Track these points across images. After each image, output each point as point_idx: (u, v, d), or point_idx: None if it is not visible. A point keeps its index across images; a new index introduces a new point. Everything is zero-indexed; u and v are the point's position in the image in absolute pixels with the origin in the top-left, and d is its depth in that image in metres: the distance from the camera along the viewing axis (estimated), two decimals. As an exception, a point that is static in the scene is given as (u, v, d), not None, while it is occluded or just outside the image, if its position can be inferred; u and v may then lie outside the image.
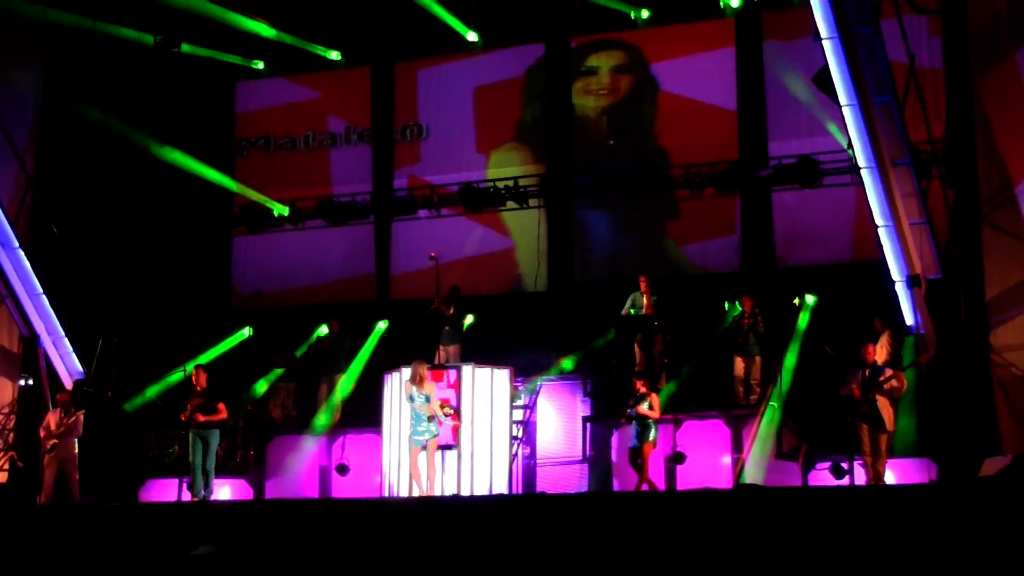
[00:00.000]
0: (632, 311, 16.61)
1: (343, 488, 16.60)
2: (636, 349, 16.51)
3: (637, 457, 14.46)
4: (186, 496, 15.64)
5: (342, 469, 16.63)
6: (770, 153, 18.22)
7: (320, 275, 20.35)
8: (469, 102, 20.08)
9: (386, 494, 15.13)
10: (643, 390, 14.64)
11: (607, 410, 16.29)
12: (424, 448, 14.05)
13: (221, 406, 15.15)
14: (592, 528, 10.34)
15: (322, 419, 17.29)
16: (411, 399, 14.01)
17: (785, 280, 16.90)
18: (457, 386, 14.94)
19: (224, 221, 20.76)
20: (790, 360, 15.79)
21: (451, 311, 16.90)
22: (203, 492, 15.01)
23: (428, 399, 14.03)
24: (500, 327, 17.74)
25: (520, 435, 16.07)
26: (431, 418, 14.02)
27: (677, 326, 16.55)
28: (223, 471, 16.34)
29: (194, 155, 19.66)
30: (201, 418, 14.93)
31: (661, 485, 14.96)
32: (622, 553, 9.99)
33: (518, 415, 16.08)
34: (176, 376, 17.45)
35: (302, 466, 16.97)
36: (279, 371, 18.27)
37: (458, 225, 19.78)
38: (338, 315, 18.45)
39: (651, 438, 14.47)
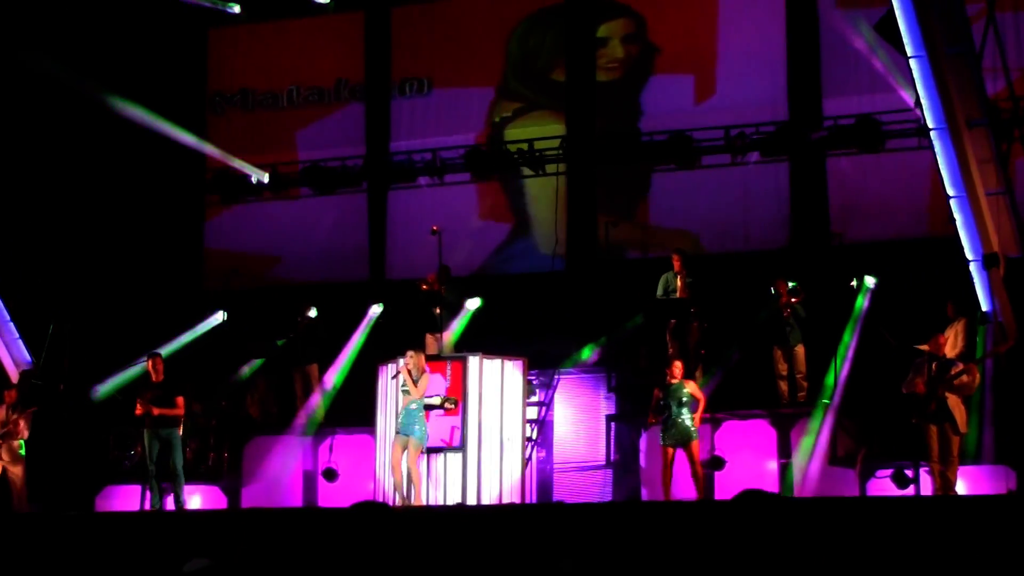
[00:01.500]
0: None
1: (331, 496, 16.58)
2: (668, 338, 16.46)
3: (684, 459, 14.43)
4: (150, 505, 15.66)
5: (330, 474, 16.63)
6: (824, 112, 18.13)
7: (305, 251, 20.34)
8: (478, 52, 20.00)
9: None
10: (677, 377, 14.55)
11: (634, 408, 16.24)
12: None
13: (180, 400, 15.16)
14: (617, 543, 10.30)
15: (318, 415, 17.32)
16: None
17: (841, 259, 16.83)
18: (461, 379, 14.90)
19: (195, 189, 20.74)
20: (845, 351, 15.72)
21: (443, 292, 16.89)
22: (171, 501, 15.00)
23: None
24: (512, 311, 17.74)
25: (534, 436, 16.05)
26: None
27: (716, 311, 16.49)
28: (192, 476, 16.34)
29: (160, 113, 19.59)
30: (156, 411, 14.90)
31: (695, 494, 14.93)
32: (651, 572, 9.95)
33: (532, 413, 16.03)
34: (142, 367, 17.43)
35: (284, 471, 16.95)
36: (258, 362, 18.23)
37: (464, 194, 19.76)
38: (326, 297, 18.46)
39: (695, 436, 14.44)
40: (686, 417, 14.48)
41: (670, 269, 16.62)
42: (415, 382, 14.28)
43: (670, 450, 14.55)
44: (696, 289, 16.45)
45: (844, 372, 15.54)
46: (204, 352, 18.53)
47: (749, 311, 16.49)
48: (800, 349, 15.89)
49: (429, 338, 16.74)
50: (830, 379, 15.36)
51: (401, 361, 14.62)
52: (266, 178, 20.39)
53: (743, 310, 16.57)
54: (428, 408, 14.60)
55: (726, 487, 15.12)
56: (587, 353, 16.94)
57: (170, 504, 15.23)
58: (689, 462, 14.46)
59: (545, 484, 16.20)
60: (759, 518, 8.76)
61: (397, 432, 14.36)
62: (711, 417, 15.41)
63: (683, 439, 14.44)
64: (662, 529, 10.57)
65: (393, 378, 14.78)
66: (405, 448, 14.22)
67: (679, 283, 16.47)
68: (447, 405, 14.70)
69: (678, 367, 14.66)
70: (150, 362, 15.37)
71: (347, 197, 20.33)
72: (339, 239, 20.26)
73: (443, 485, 14.74)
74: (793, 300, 15.85)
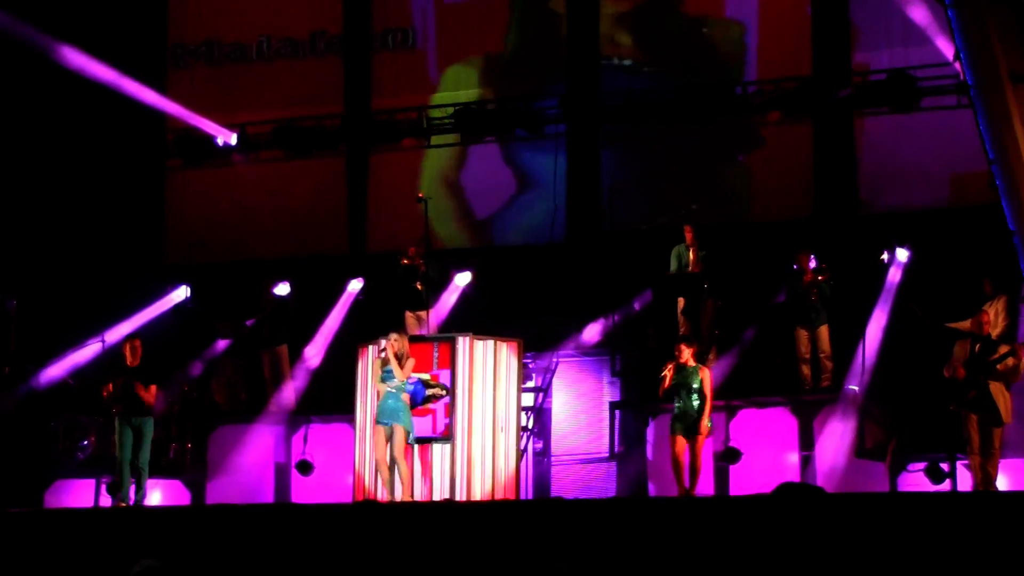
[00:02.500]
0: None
1: (305, 491, 16.62)
2: (679, 317, 16.45)
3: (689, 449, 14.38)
4: (106, 501, 15.61)
5: (304, 467, 16.64)
6: (853, 66, 18.10)
7: (277, 221, 20.33)
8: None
9: (361, 498, 15.09)
10: (691, 362, 14.51)
11: (641, 394, 16.22)
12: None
13: (153, 389, 15.24)
14: (622, 544, 10.29)
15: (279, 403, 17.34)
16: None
17: (870, 229, 16.91)
18: (448, 362, 14.86)
19: (154, 151, 20.65)
20: (874, 331, 15.73)
21: (424, 267, 16.87)
22: (132, 496, 15.04)
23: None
24: (506, 288, 17.78)
25: (530, 425, 16.03)
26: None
27: (732, 288, 16.49)
28: (152, 469, 16.21)
29: (115, 66, 19.50)
30: (145, 393, 15.03)
31: (709, 489, 14.93)
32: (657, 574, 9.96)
33: (528, 400, 16.02)
34: (93, 348, 17.44)
35: (253, 463, 16.99)
36: (226, 343, 18.24)
37: (452, 156, 19.75)
38: (300, 271, 18.43)
39: (706, 425, 14.36)
40: (697, 405, 14.41)
41: (681, 241, 16.58)
42: (401, 366, 14.23)
43: (680, 439, 14.41)
44: (710, 263, 16.42)
45: (872, 355, 15.54)
46: (165, 332, 18.46)
47: (768, 287, 16.50)
48: (824, 329, 15.88)
49: (409, 316, 16.72)
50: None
51: (383, 343, 14.56)
52: (233, 139, 20.30)
53: (762, 286, 16.58)
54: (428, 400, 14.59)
55: (742, 482, 15.14)
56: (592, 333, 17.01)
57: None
58: (690, 453, 14.40)
59: (542, 478, 16.23)
60: (798, 514, 8.79)
61: (377, 421, 14.31)
62: (726, 405, 15.41)
63: (691, 429, 14.37)
64: (672, 528, 10.54)
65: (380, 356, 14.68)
66: (389, 439, 14.17)
67: (691, 256, 16.45)
68: (438, 392, 14.64)
69: (684, 351, 14.55)
70: (127, 345, 15.40)
71: (324, 161, 20.28)
72: (315, 207, 20.23)
73: (430, 479, 14.71)
74: (819, 278, 15.80)
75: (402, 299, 16.92)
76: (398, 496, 14.23)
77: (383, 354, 14.34)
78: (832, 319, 15.93)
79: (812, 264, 15.97)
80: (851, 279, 16.10)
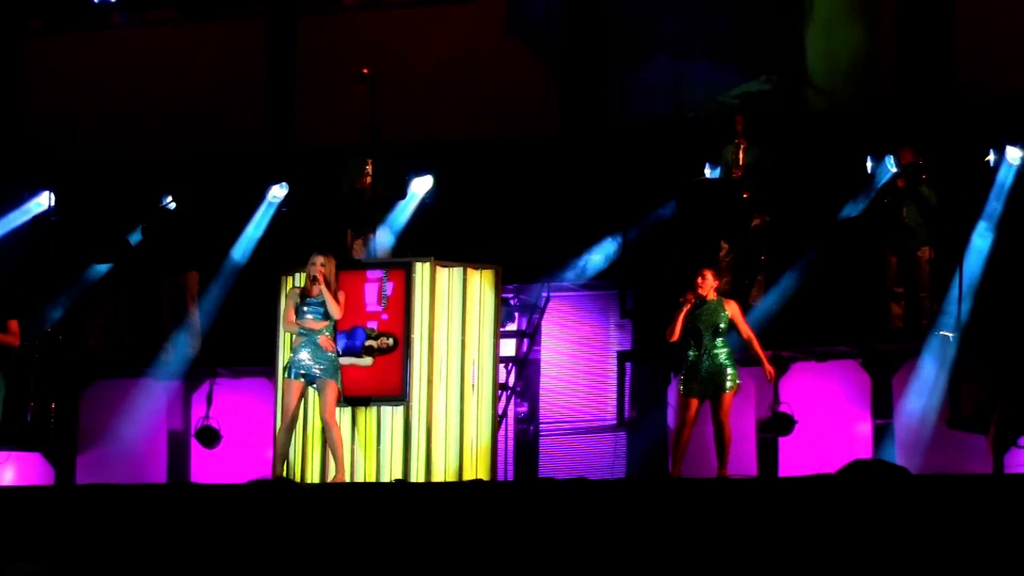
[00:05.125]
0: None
1: (208, 467, 16.72)
2: (714, 237, 16.55)
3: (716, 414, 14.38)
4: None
5: (208, 436, 16.71)
6: None
7: (173, 105, 20.42)
8: None
9: (282, 474, 15.11)
10: (712, 295, 14.49)
11: (661, 342, 16.22)
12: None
13: (13, 325, 15.23)
14: (632, 537, 10.26)
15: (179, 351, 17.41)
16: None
17: (971, 121, 16.93)
18: (402, 297, 14.82)
19: (6, 8, 20.66)
20: (976, 258, 15.81)
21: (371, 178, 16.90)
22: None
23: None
24: (481, 197, 17.91)
25: (511, 383, 16.12)
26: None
27: (785, 198, 16.55)
28: (3, 438, 16.38)
29: None
30: None
31: (752, 468, 14.96)
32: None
33: (509, 347, 16.12)
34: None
35: (140, 430, 16.98)
36: (104, 269, 18.31)
37: (410, 21, 19.81)
38: (205, 172, 18.54)
39: (732, 383, 14.33)
40: (722, 353, 14.39)
41: (729, 139, 16.61)
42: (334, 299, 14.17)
43: (694, 401, 14.50)
44: (762, 166, 16.43)
45: (972, 290, 15.57)
46: (20, 254, 18.53)
47: (834, 199, 16.58)
48: (925, 253, 15.92)
49: (348, 236, 16.78)
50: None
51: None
52: (114, -5, 20.35)
53: (825, 197, 16.67)
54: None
55: (796, 459, 15.24)
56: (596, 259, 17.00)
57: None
58: (713, 419, 14.42)
59: (527, 453, 16.33)
60: (871, 501, 8.72)
61: (301, 374, 14.23)
62: (774, 355, 15.42)
63: (714, 385, 14.37)
64: (700, 518, 10.56)
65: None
66: (302, 396, 14.13)
67: (740, 156, 16.45)
68: (384, 343, 14.65)
69: (708, 278, 14.54)
70: None
71: (236, 24, 20.48)
72: (223, 87, 20.32)
73: (377, 453, 14.70)
74: (923, 176, 15.81)
75: (345, 213, 16.93)
76: (329, 475, 14.34)
77: (311, 279, 14.27)
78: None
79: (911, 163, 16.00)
80: (946, 188, 16.07)
